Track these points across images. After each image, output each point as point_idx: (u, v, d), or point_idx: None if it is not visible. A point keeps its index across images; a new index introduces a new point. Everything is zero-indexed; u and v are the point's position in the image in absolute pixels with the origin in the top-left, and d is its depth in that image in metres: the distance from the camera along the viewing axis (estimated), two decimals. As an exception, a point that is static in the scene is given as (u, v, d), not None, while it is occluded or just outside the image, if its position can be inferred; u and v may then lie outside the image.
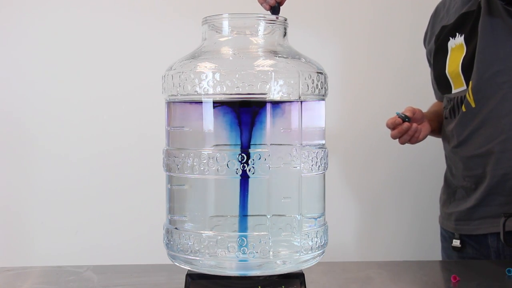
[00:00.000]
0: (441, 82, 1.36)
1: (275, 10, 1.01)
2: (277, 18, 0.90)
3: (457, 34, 1.30)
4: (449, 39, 1.32)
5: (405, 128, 1.29)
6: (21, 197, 1.72)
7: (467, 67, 1.25)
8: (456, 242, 1.32)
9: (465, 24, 1.28)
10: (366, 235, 1.80)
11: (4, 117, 1.70)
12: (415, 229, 1.78)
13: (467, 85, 1.25)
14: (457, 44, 1.30)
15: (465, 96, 1.26)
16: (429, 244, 1.73)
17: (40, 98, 1.70)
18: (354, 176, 1.79)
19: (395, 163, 1.77)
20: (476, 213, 1.28)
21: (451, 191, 1.37)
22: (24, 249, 1.71)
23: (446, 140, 1.37)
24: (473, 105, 1.24)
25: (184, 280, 0.86)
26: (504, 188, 1.23)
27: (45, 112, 1.70)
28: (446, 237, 1.39)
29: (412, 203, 1.78)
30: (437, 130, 1.42)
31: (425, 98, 1.53)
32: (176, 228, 0.86)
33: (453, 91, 1.31)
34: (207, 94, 0.82)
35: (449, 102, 1.33)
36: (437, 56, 1.36)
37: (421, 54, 1.49)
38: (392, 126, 1.30)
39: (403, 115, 1.30)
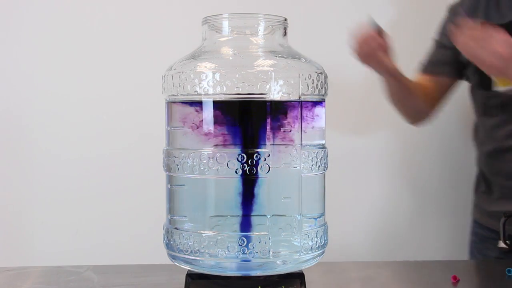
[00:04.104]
0: (482, 75, 1.31)
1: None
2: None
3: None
4: None
5: (371, 36, 1.23)
6: (21, 196, 1.71)
7: None
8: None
9: None
10: (365, 235, 1.79)
11: (3, 116, 1.70)
12: (415, 229, 1.78)
13: None
14: None
15: None
16: (430, 244, 1.73)
17: (40, 97, 1.70)
18: (354, 175, 1.78)
19: (395, 161, 1.77)
20: None
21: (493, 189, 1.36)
22: (24, 249, 1.71)
23: (491, 137, 1.34)
24: None
25: (184, 280, 0.86)
26: None
27: (45, 111, 1.70)
28: (487, 237, 1.37)
29: (412, 203, 1.78)
30: (394, 83, 1.36)
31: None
32: (176, 228, 0.86)
33: (499, 87, 1.28)
34: (207, 94, 0.83)
35: (496, 99, 1.30)
36: None
37: (419, 54, 1.49)
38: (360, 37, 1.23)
39: (376, 25, 1.20)
